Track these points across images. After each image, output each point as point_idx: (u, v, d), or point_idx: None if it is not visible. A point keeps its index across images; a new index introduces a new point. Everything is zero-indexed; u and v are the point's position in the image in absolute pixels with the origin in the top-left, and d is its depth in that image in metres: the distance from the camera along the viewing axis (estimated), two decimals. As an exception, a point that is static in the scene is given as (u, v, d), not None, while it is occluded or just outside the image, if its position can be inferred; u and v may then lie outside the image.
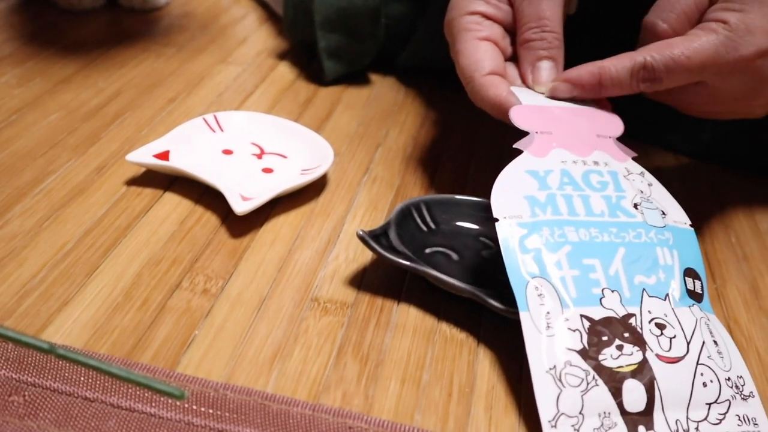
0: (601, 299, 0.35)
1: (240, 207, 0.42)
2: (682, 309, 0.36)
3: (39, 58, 0.60)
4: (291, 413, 0.32)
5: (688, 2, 0.43)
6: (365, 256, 0.42)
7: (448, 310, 0.39)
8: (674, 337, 0.35)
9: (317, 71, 0.62)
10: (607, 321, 0.34)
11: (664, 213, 0.39)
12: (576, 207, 0.37)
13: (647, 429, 0.33)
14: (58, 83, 0.57)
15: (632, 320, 0.35)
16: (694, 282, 0.37)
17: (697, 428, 0.33)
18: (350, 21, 0.59)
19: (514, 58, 0.46)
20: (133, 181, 0.46)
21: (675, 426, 0.33)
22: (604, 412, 0.33)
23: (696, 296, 0.37)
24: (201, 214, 0.44)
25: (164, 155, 0.46)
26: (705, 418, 0.34)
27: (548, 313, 0.34)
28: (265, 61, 0.65)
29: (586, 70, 0.42)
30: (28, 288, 0.37)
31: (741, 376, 0.36)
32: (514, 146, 0.40)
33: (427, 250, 0.42)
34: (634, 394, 0.33)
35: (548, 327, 0.34)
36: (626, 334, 0.34)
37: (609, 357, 0.33)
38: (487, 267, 0.42)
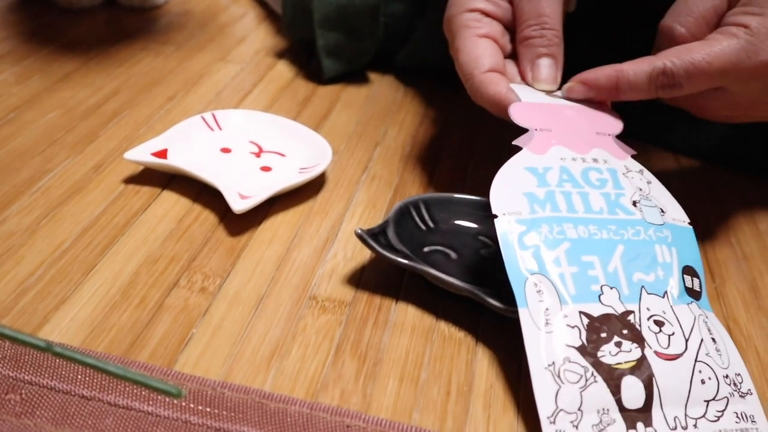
0: (599, 296, 0.35)
1: (238, 205, 0.42)
2: (680, 306, 0.36)
3: (37, 56, 0.60)
4: (289, 412, 0.32)
5: (706, 5, 0.42)
6: (363, 254, 0.42)
7: (447, 309, 0.39)
8: (673, 334, 0.35)
9: (316, 70, 0.62)
10: (605, 318, 0.34)
11: (662, 211, 0.39)
12: (575, 204, 0.37)
13: (646, 426, 0.33)
14: (57, 81, 0.57)
15: (631, 317, 0.35)
16: (692, 280, 0.37)
17: (695, 425, 0.33)
18: (349, 19, 0.59)
19: (513, 56, 0.46)
20: (131, 180, 0.46)
21: (673, 423, 0.33)
22: (603, 409, 0.33)
23: (694, 294, 0.37)
24: (199, 213, 0.44)
25: (162, 153, 0.46)
26: (703, 415, 0.34)
27: (547, 309, 0.34)
28: (264, 59, 0.65)
29: (603, 73, 0.42)
30: (26, 286, 0.37)
31: (739, 374, 0.36)
32: (513, 143, 0.39)
33: (426, 249, 0.42)
34: (632, 391, 0.33)
35: (547, 323, 0.34)
36: (625, 331, 0.34)
37: (608, 354, 0.33)
38: (486, 266, 0.42)
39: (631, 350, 0.34)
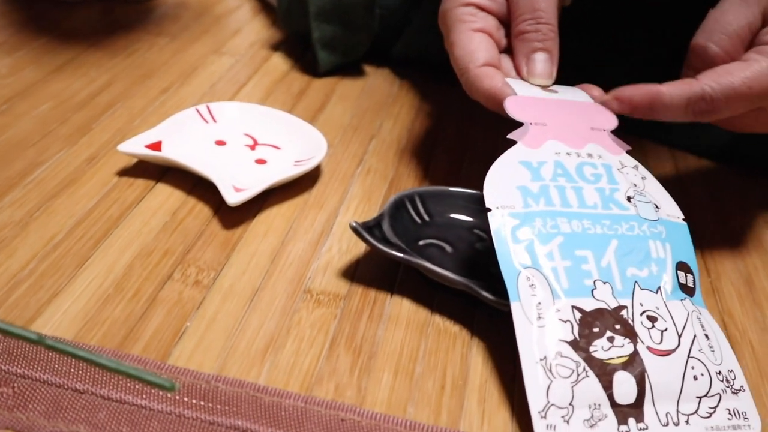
0: (592, 291, 0.35)
1: (232, 198, 0.42)
2: (673, 302, 0.36)
3: (30, 48, 0.60)
4: (283, 405, 0.32)
5: (740, 23, 0.41)
6: (358, 247, 0.42)
7: (442, 303, 0.39)
8: (665, 330, 0.35)
9: (311, 62, 0.61)
10: (598, 312, 0.34)
11: (657, 206, 0.39)
12: (569, 198, 0.37)
13: (637, 421, 0.33)
14: (50, 73, 0.56)
15: (624, 312, 0.35)
16: (686, 276, 0.37)
17: (687, 421, 0.33)
18: (345, 12, 0.59)
19: (508, 51, 0.46)
20: (125, 172, 0.46)
21: (665, 419, 0.33)
22: (595, 404, 0.33)
23: (688, 290, 0.37)
24: (193, 205, 0.44)
25: (156, 146, 0.46)
26: (695, 412, 0.34)
27: (539, 303, 0.34)
28: (259, 51, 0.64)
29: (639, 92, 0.41)
30: (18, 279, 0.37)
31: (732, 370, 0.36)
32: (508, 137, 0.39)
33: (421, 242, 0.42)
34: (624, 386, 0.33)
35: (539, 318, 0.34)
36: (617, 326, 0.34)
37: (600, 348, 0.33)
38: (481, 259, 0.42)
39: (623, 345, 0.34)
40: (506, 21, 0.45)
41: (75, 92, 0.54)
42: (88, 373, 0.32)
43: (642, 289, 0.35)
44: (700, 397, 0.34)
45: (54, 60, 0.58)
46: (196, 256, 0.40)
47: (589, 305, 0.34)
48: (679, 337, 0.35)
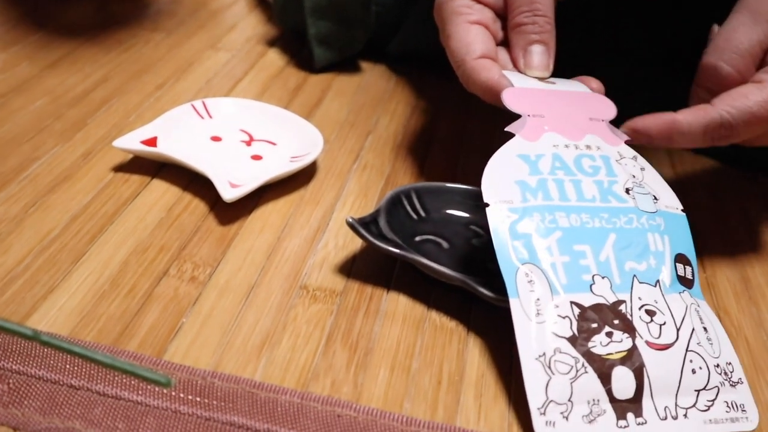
0: (591, 286, 0.35)
1: (228, 194, 0.42)
2: (672, 295, 0.36)
3: (25, 43, 0.59)
4: (279, 401, 0.32)
5: (751, 41, 0.40)
6: (355, 243, 0.42)
7: (438, 299, 0.39)
8: (664, 323, 0.35)
9: (307, 58, 0.61)
10: (597, 308, 0.34)
11: (656, 198, 0.38)
12: (567, 192, 0.37)
13: (636, 416, 0.33)
14: (45, 68, 0.56)
15: (622, 307, 0.34)
16: (684, 268, 0.37)
17: (685, 415, 0.33)
18: (341, 8, 0.59)
19: (504, 43, 0.45)
20: (121, 168, 0.46)
21: (664, 413, 0.33)
22: (593, 400, 0.33)
23: (686, 282, 0.37)
24: (189, 201, 0.44)
25: (152, 141, 0.46)
26: (694, 405, 0.34)
27: (538, 299, 0.34)
28: (255, 47, 0.64)
29: (655, 123, 0.40)
30: (13, 275, 0.37)
31: (730, 363, 0.36)
32: (505, 129, 0.39)
33: (417, 238, 0.42)
34: (623, 382, 0.33)
35: (538, 314, 0.34)
36: (616, 321, 0.34)
37: (598, 344, 0.33)
38: (478, 255, 0.41)
39: (622, 340, 0.34)
40: (502, 13, 0.45)
41: (70, 88, 0.54)
42: (84, 369, 0.32)
43: (640, 282, 0.35)
44: (698, 391, 0.34)
45: (49, 55, 0.58)
46: (192, 252, 0.40)
47: (587, 301, 0.34)
48: (678, 330, 0.35)
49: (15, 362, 0.32)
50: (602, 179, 0.38)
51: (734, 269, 0.45)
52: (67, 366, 0.32)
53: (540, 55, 0.43)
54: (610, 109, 0.42)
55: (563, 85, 0.43)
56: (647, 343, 0.34)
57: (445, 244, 0.42)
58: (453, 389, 0.34)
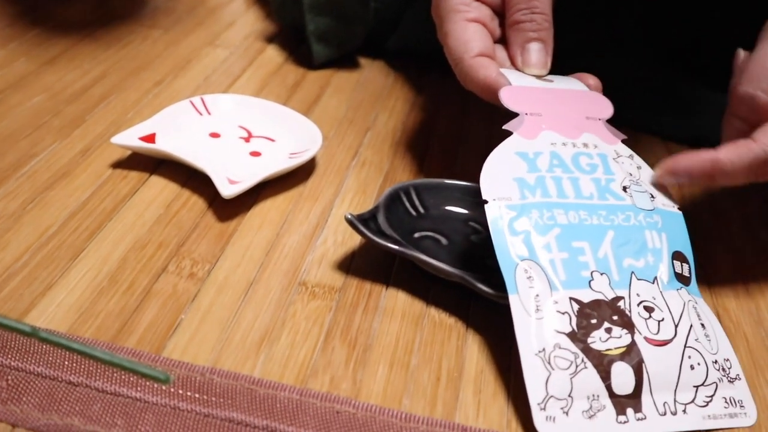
0: (590, 282, 0.35)
1: (227, 190, 0.41)
2: (670, 292, 0.36)
3: (23, 39, 0.59)
4: (278, 398, 0.32)
5: None
6: (354, 240, 0.42)
7: (437, 295, 0.39)
8: (662, 320, 0.35)
9: (306, 54, 0.61)
10: (595, 304, 0.34)
11: (652, 196, 0.39)
12: (565, 189, 0.37)
13: (635, 411, 0.33)
14: (43, 65, 0.56)
15: (621, 303, 0.35)
16: (682, 265, 0.37)
17: (684, 410, 0.33)
18: (339, 4, 0.59)
19: (502, 41, 0.45)
20: (119, 164, 0.46)
21: (663, 408, 0.33)
22: (593, 395, 0.33)
23: (684, 279, 0.37)
24: (187, 198, 0.44)
25: (150, 138, 0.46)
26: (692, 401, 0.34)
27: (537, 295, 0.34)
28: (253, 44, 0.64)
29: (697, 163, 0.38)
30: (12, 271, 0.37)
31: (728, 359, 0.36)
32: (503, 127, 0.39)
33: (416, 235, 0.42)
34: (622, 377, 0.33)
35: (537, 310, 0.34)
36: (615, 317, 0.34)
37: (598, 340, 0.33)
38: (476, 251, 0.41)
39: (621, 336, 0.34)
40: (500, 11, 0.45)
41: (68, 84, 0.54)
42: (83, 366, 0.32)
43: (639, 279, 0.35)
44: (697, 386, 0.34)
45: (47, 52, 0.58)
46: (191, 249, 0.40)
47: (586, 297, 0.34)
48: (676, 327, 0.35)
49: (13, 359, 0.32)
50: (600, 177, 0.38)
51: (732, 265, 0.45)
52: (66, 362, 0.32)
53: (538, 53, 0.43)
54: (607, 108, 0.42)
55: (561, 82, 0.43)
56: (646, 339, 0.34)
57: (444, 241, 0.42)
58: (452, 385, 0.34)
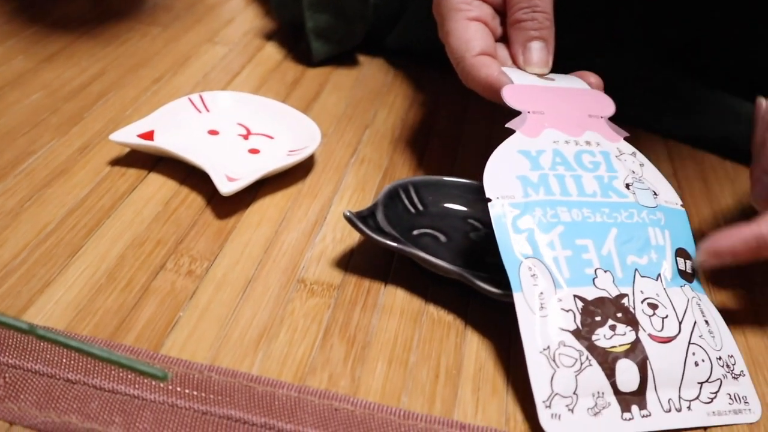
0: (594, 279, 0.35)
1: (225, 188, 0.41)
2: (673, 289, 0.36)
3: (21, 37, 0.59)
4: (276, 395, 0.32)
5: None
6: (352, 237, 0.42)
7: (436, 292, 0.39)
8: (666, 317, 0.35)
9: (305, 52, 0.61)
10: (600, 301, 0.34)
11: (655, 193, 0.38)
12: (568, 187, 0.37)
13: (640, 408, 0.33)
14: (41, 62, 0.56)
15: (625, 300, 0.34)
16: (685, 262, 0.37)
17: (689, 407, 0.33)
18: (339, 1, 0.59)
19: (503, 39, 0.45)
20: (117, 162, 0.46)
21: (667, 405, 0.33)
22: (598, 392, 0.32)
23: (687, 276, 0.37)
24: (186, 195, 0.44)
25: (149, 135, 0.46)
26: (697, 397, 0.34)
27: (541, 293, 0.34)
28: (253, 41, 0.64)
29: (740, 242, 0.37)
30: (9, 269, 0.37)
31: (732, 356, 0.36)
32: (506, 125, 0.39)
33: (415, 232, 0.42)
34: (627, 374, 0.33)
35: (542, 307, 0.34)
36: (619, 314, 0.34)
37: (602, 337, 0.33)
38: (475, 249, 0.41)
39: (625, 333, 0.34)
40: (501, 10, 0.45)
41: (66, 81, 0.54)
42: (80, 363, 0.32)
43: (642, 276, 0.35)
44: (701, 383, 0.34)
45: (45, 49, 0.58)
46: (189, 246, 0.40)
47: (590, 294, 0.34)
48: (680, 323, 0.35)
49: (11, 356, 0.32)
50: (602, 174, 0.38)
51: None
52: (64, 360, 0.32)
53: (539, 52, 0.43)
54: (608, 106, 0.42)
55: (562, 81, 0.43)
56: (650, 336, 0.34)
57: (442, 238, 0.42)
58: (450, 383, 0.34)
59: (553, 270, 0.34)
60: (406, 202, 0.43)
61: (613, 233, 0.36)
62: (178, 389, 0.32)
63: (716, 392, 0.34)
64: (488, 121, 0.56)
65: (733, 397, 0.34)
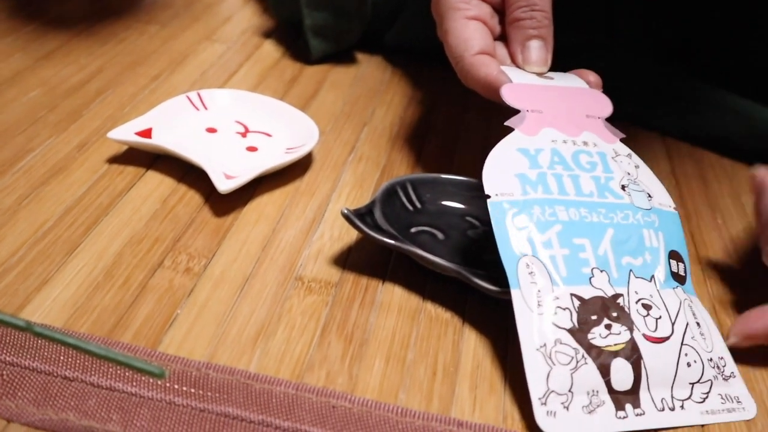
0: (590, 279, 0.35)
1: (223, 185, 0.41)
2: (666, 290, 0.36)
3: (19, 34, 0.59)
4: (274, 393, 0.32)
5: None
6: (350, 235, 0.42)
7: (434, 290, 0.39)
8: (660, 317, 0.35)
9: (303, 49, 0.61)
10: (596, 300, 0.34)
11: (650, 195, 0.39)
12: (566, 186, 0.37)
13: (634, 407, 0.33)
14: (39, 59, 0.56)
15: (620, 300, 0.35)
16: (677, 264, 0.37)
17: (682, 406, 0.34)
18: (337, -1, 0.59)
19: (502, 38, 0.45)
20: (115, 159, 0.46)
21: (661, 404, 0.33)
22: (593, 390, 0.33)
23: (679, 278, 0.37)
24: (184, 193, 0.44)
25: (147, 133, 0.45)
26: (689, 397, 0.34)
27: (539, 291, 0.34)
28: (251, 39, 0.64)
29: None
30: (7, 266, 0.37)
31: (722, 357, 0.36)
32: (505, 123, 0.39)
33: (413, 230, 0.42)
34: (621, 373, 0.33)
35: (539, 305, 0.34)
36: (614, 314, 0.34)
37: (598, 336, 0.33)
38: (473, 246, 0.41)
39: (620, 333, 0.34)
40: (500, 8, 0.45)
41: (64, 79, 0.54)
42: (78, 361, 0.32)
43: (637, 277, 0.35)
44: (693, 384, 0.34)
45: (43, 47, 0.58)
46: (187, 244, 0.40)
47: (587, 293, 0.34)
48: (673, 324, 0.35)
49: (8, 354, 0.32)
50: (599, 175, 0.38)
51: (728, 258, 0.45)
52: (61, 357, 0.32)
53: (538, 51, 0.43)
54: (606, 107, 0.42)
55: (561, 80, 0.43)
56: (644, 336, 0.34)
57: (440, 236, 0.42)
58: (448, 380, 0.34)
59: (550, 268, 0.34)
60: (404, 199, 0.43)
61: (610, 234, 0.36)
62: (176, 387, 0.32)
63: (707, 393, 0.34)
64: (486, 119, 0.56)
65: (725, 397, 0.35)
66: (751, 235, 0.47)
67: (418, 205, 0.43)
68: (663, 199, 0.39)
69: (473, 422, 0.32)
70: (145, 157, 0.46)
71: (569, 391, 0.32)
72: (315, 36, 0.60)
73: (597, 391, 0.33)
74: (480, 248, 0.41)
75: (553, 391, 0.32)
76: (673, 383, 0.34)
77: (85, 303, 0.35)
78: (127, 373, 0.32)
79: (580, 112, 0.41)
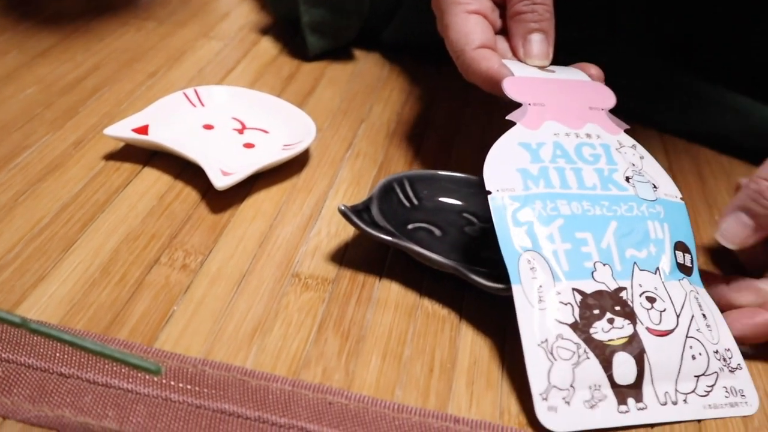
0: (592, 273, 0.34)
1: (220, 182, 0.41)
2: (672, 282, 0.36)
3: (15, 31, 0.59)
4: (270, 389, 0.32)
5: None
6: (347, 231, 0.42)
7: (431, 286, 0.39)
8: (664, 310, 0.35)
9: (300, 46, 0.61)
10: (598, 294, 0.34)
11: (655, 186, 0.38)
12: (568, 180, 0.37)
13: (636, 401, 0.33)
14: (35, 56, 0.56)
15: (623, 294, 0.34)
16: (684, 255, 0.37)
17: (685, 400, 0.33)
18: (334, -5, 0.59)
19: (503, 32, 0.45)
20: (112, 156, 0.46)
21: (664, 398, 0.33)
22: (595, 385, 0.32)
23: (686, 270, 0.37)
24: (180, 189, 0.44)
25: (143, 129, 0.45)
26: (693, 390, 0.34)
27: (540, 286, 0.34)
28: (248, 35, 0.64)
29: (763, 327, 0.37)
30: (3, 263, 0.37)
31: (729, 349, 0.36)
32: (507, 117, 0.39)
33: (410, 226, 0.41)
34: (624, 367, 0.33)
35: (540, 300, 0.34)
36: (617, 308, 0.34)
37: (600, 330, 0.33)
38: (470, 243, 0.41)
39: (623, 327, 0.34)
40: (500, 2, 0.45)
41: (61, 76, 0.54)
42: (74, 357, 0.32)
43: (641, 270, 0.35)
44: (698, 376, 0.34)
45: (39, 44, 0.57)
46: (184, 240, 0.40)
47: (589, 287, 0.34)
48: (678, 317, 0.35)
49: (4, 350, 0.32)
50: (602, 167, 0.38)
51: (726, 254, 0.45)
52: (57, 354, 0.32)
53: (539, 44, 0.43)
54: (609, 98, 0.42)
55: (563, 73, 0.43)
56: (648, 329, 0.34)
57: (437, 232, 0.42)
58: (445, 376, 0.34)
59: (552, 263, 0.34)
60: (401, 196, 0.43)
61: (613, 226, 0.36)
62: (172, 383, 0.32)
63: (713, 385, 0.34)
64: (484, 114, 0.55)
65: (729, 390, 0.34)
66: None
67: (416, 202, 0.43)
68: (669, 189, 0.39)
69: (470, 418, 0.32)
70: (142, 154, 0.46)
71: (571, 386, 0.32)
72: (312, 32, 0.59)
73: (599, 386, 0.32)
74: (477, 245, 0.41)
75: (554, 387, 0.32)
76: (678, 376, 0.34)
77: (81, 300, 0.35)
78: (123, 370, 0.32)
79: (582, 104, 0.41)
